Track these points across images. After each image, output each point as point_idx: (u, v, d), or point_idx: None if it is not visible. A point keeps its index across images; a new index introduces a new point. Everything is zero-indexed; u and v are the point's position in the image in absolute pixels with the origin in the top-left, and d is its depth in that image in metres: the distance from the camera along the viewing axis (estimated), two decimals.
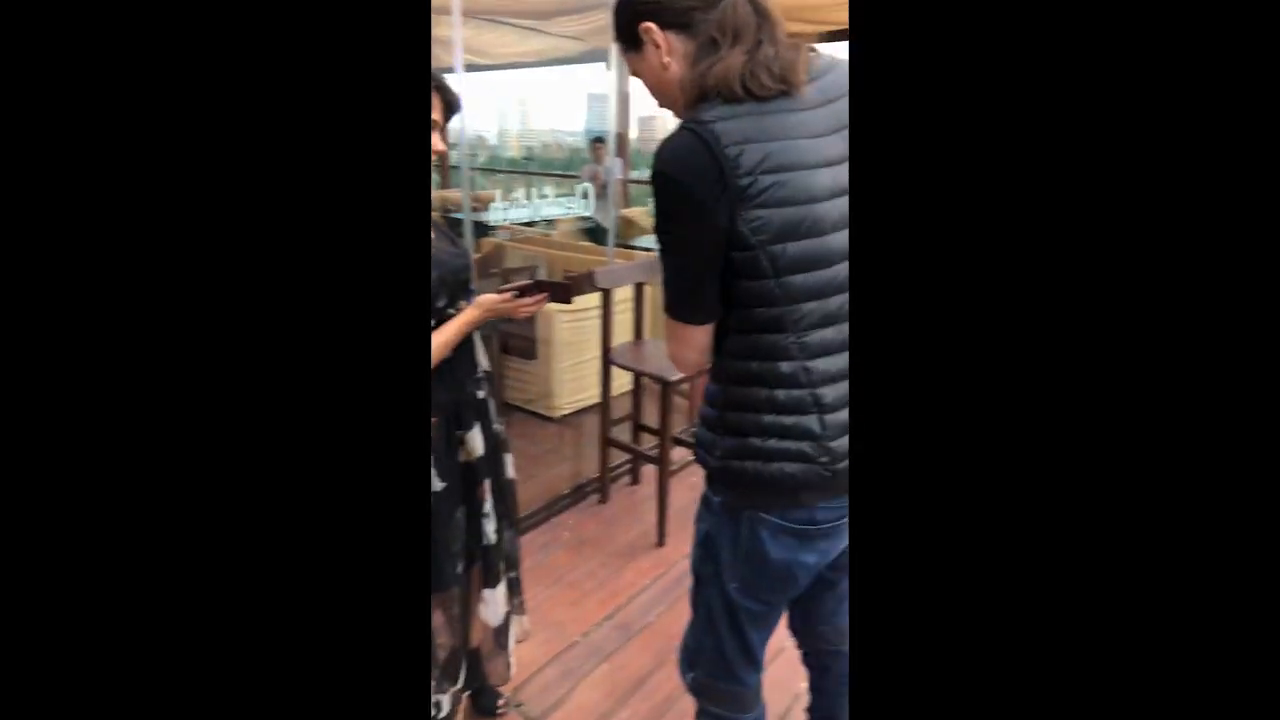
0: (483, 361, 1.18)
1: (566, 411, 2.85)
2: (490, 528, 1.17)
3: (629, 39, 0.80)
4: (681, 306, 0.80)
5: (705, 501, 0.91)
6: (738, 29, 0.73)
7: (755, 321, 0.77)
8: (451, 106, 1.05)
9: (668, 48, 0.77)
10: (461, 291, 1.12)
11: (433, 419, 1.07)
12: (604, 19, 4.64)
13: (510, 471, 1.25)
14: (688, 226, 0.74)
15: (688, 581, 2.00)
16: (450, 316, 1.08)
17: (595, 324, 2.47)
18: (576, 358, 2.81)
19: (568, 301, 1.14)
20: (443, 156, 1.03)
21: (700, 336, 0.81)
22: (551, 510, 2.22)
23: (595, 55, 5.65)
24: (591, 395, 2.91)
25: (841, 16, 4.33)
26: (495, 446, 1.20)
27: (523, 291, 1.09)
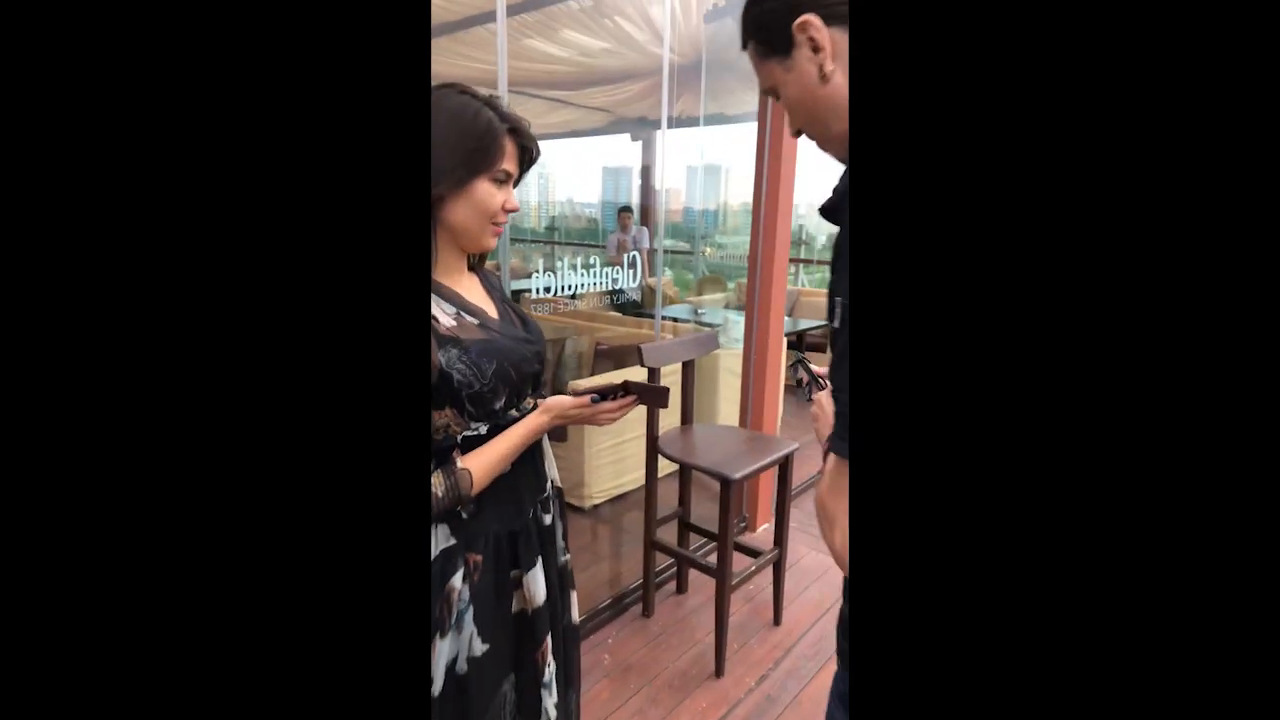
0: (551, 474, 0.92)
1: (598, 501, 2.56)
2: (551, 702, 0.88)
3: (775, 40, 0.58)
4: None
5: None
6: None
7: None
8: (528, 155, 0.83)
9: (832, 49, 0.55)
10: (528, 388, 0.87)
11: (477, 557, 0.81)
12: (632, 90, 4.63)
13: (575, 614, 0.97)
14: None
15: None
16: (513, 421, 0.83)
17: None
18: (613, 440, 2.55)
19: (664, 406, 0.90)
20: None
21: None
22: (590, 624, 1.90)
23: (618, 127, 5.67)
24: (628, 482, 2.63)
25: None
26: (562, 586, 0.92)
27: (604, 394, 0.85)
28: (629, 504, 2.60)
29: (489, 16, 2.94)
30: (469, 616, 0.80)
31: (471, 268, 0.89)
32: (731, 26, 3.31)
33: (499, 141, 0.78)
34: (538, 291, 1.92)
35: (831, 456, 0.54)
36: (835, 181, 0.57)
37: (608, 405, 0.84)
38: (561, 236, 7.53)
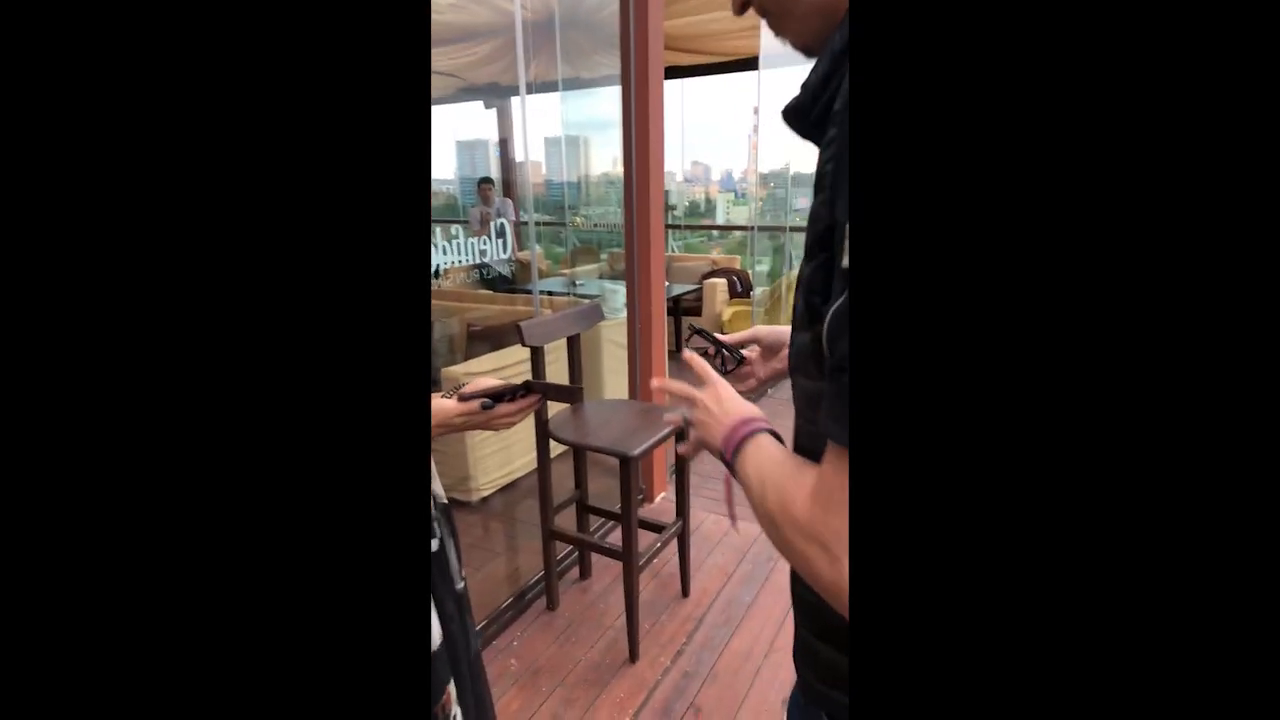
0: (436, 493, 0.77)
1: (488, 492, 2.40)
2: None
3: None
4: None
5: None
6: None
7: None
8: None
9: None
10: None
11: None
12: (483, 51, 4.33)
13: (477, 641, 0.84)
14: None
15: (676, 708, 1.64)
16: None
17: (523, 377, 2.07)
18: None
19: (575, 402, 0.78)
20: None
21: None
22: (492, 628, 1.76)
23: (469, 94, 5.30)
24: (518, 467, 2.49)
25: (737, 46, 4.29)
26: (462, 615, 0.78)
27: (497, 397, 0.71)
28: (521, 491, 2.46)
29: None
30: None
31: None
32: None
33: None
34: None
35: (825, 449, 0.42)
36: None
37: (505, 408, 0.71)
38: None
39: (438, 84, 5.04)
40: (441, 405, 0.69)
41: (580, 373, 1.91)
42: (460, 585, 0.80)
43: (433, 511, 0.75)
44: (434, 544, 0.74)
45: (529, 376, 1.83)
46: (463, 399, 0.70)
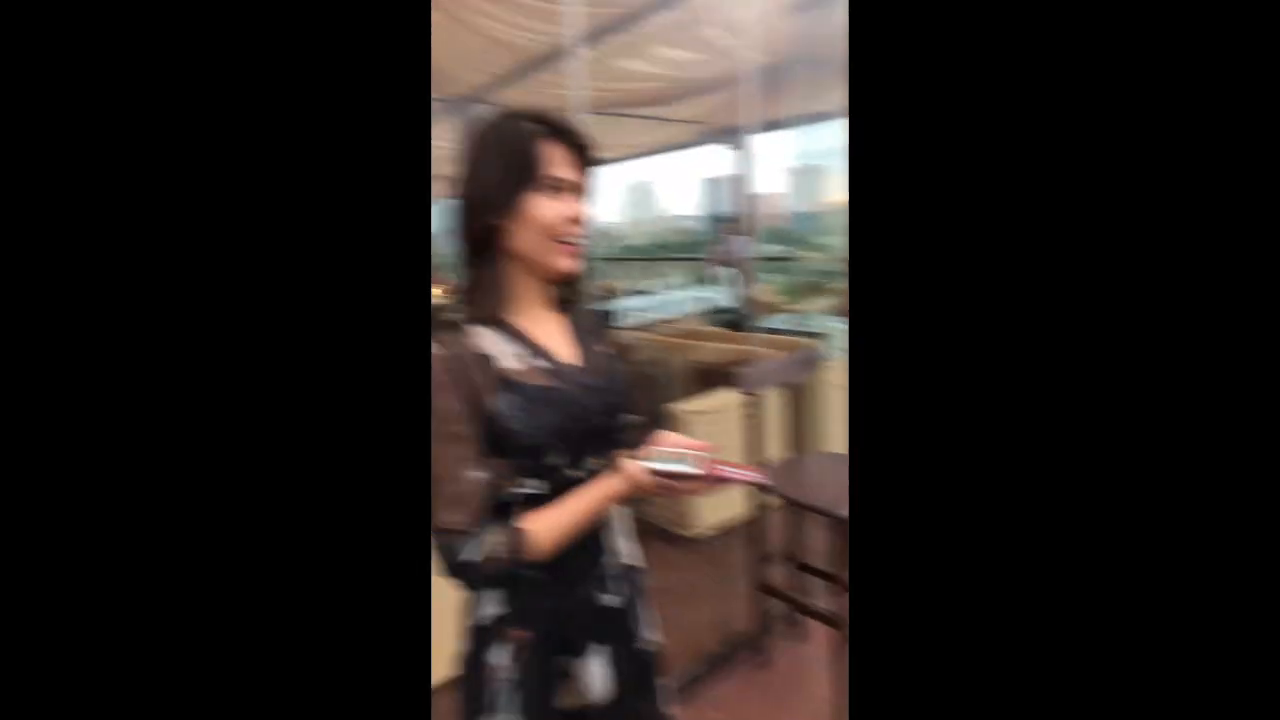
0: (620, 550, 0.79)
1: (707, 534, 2.41)
2: None
3: None
4: None
5: None
6: None
7: None
8: (585, 155, 0.72)
9: None
10: (598, 445, 0.74)
11: (525, 634, 0.71)
12: (724, 99, 4.48)
13: (664, 706, 0.83)
14: None
15: None
16: (574, 481, 0.71)
17: (737, 421, 2.06)
18: None
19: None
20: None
21: None
22: (696, 676, 1.75)
23: (713, 137, 5.52)
24: (741, 512, 2.47)
25: None
26: (640, 676, 0.79)
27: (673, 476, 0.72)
28: (743, 536, 2.43)
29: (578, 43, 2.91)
30: (513, 702, 0.70)
31: (566, 304, 0.78)
32: (822, 18, 3.09)
33: (535, 147, 0.68)
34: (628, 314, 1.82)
35: None
36: None
37: (686, 485, 0.70)
38: (662, 252, 7.50)
39: (687, 132, 5.34)
40: (640, 467, 0.70)
41: (803, 421, 1.84)
42: (644, 645, 0.81)
43: (612, 569, 0.77)
44: (608, 599, 0.76)
45: (747, 417, 1.81)
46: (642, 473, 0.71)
